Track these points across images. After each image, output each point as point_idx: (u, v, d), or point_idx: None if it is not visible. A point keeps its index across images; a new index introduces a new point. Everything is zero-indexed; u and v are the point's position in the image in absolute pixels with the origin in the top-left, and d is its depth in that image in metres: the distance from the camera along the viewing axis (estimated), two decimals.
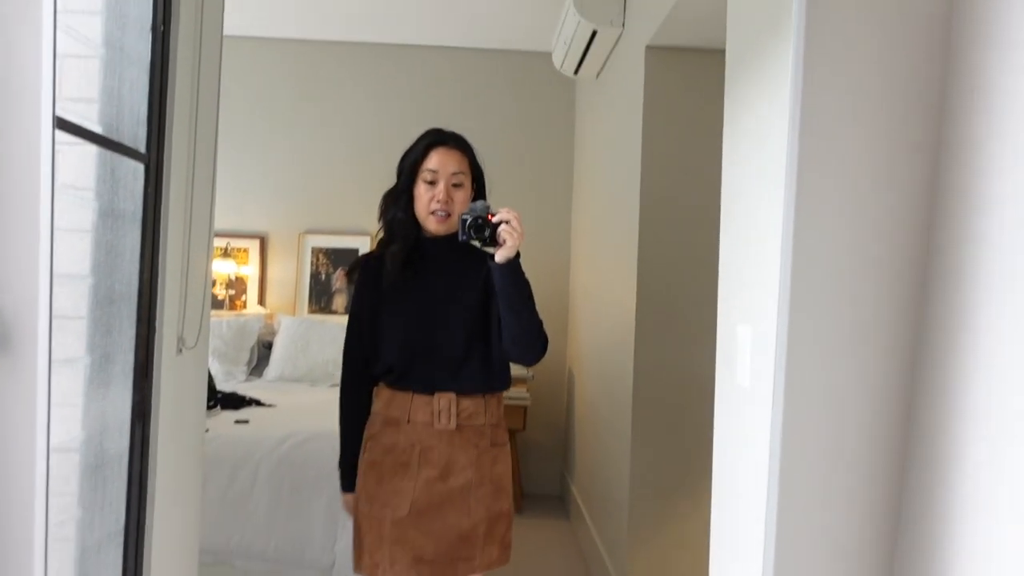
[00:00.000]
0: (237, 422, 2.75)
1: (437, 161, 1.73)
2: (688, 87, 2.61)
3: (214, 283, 4.62)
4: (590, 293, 3.82)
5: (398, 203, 1.76)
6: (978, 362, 0.92)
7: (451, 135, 1.78)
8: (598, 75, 3.55)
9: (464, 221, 1.63)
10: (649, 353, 2.67)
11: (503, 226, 1.61)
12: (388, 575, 1.68)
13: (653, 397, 2.67)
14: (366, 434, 1.79)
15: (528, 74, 4.48)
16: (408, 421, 1.72)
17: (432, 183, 1.72)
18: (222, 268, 4.57)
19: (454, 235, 1.70)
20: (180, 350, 1.63)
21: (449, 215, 1.72)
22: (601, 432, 3.33)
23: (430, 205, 1.71)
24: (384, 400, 1.76)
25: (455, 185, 1.73)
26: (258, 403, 3.11)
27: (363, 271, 1.80)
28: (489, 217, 1.62)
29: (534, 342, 1.73)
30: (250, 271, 4.64)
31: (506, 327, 1.70)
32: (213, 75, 1.80)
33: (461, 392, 1.73)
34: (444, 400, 1.71)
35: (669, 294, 2.67)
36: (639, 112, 2.65)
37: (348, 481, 1.81)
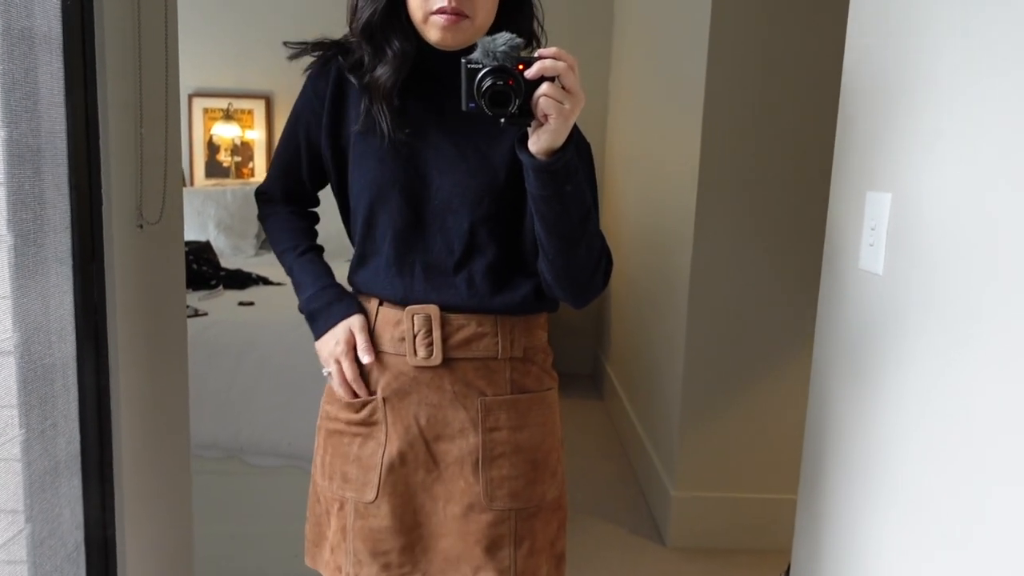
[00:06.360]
0: (241, 304, 2.44)
1: None
2: None
3: (218, 149, 4.25)
4: (634, 150, 3.38)
5: None
6: None
7: None
8: None
9: (474, 73, 0.90)
10: (714, 221, 2.28)
11: (544, 87, 0.88)
12: None
13: (716, 276, 2.31)
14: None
15: None
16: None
17: None
18: (225, 132, 4.19)
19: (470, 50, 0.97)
20: (140, 226, 1.28)
21: (462, 17, 1.00)
22: (648, 308, 3.00)
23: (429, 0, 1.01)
24: None
25: None
26: (266, 281, 2.80)
27: (319, 76, 1.14)
28: (519, 68, 0.89)
29: (587, 281, 1.06)
30: (256, 135, 4.25)
31: (544, 256, 1.04)
32: None
33: (450, 305, 1.07)
34: (421, 317, 1.07)
35: (744, 146, 2.25)
36: None
37: (321, 309, 1.12)
